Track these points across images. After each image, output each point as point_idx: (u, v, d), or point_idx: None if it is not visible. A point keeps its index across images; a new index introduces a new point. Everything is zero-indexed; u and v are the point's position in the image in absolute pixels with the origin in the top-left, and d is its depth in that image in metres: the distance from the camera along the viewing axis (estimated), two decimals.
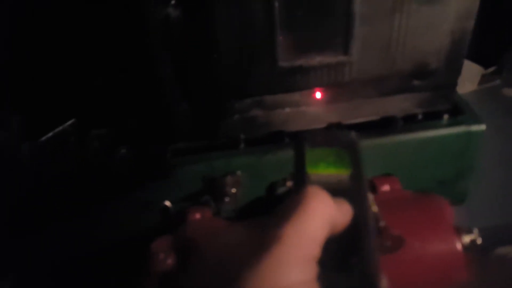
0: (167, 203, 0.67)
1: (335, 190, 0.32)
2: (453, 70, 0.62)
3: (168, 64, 0.57)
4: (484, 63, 0.76)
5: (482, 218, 0.88)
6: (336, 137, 0.37)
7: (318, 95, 0.64)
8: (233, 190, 0.64)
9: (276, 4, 0.52)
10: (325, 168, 0.35)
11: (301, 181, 0.34)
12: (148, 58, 0.58)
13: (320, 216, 0.29)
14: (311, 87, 0.62)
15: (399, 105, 0.66)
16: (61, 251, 0.71)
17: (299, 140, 0.37)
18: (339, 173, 0.35)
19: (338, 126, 0.67)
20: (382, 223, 0.56)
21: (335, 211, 0.30)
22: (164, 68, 0.57)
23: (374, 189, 0.66)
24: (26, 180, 0.69)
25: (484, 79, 0.80)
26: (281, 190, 0.67)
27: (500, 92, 0.84)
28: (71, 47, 0.71)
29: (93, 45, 0.70)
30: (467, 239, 0.60)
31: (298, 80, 0.60)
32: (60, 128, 0.77)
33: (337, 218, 0.30)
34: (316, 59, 0.57)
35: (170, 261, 0.60)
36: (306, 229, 0.28)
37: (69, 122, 0.78)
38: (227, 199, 0.62)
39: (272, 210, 0.68)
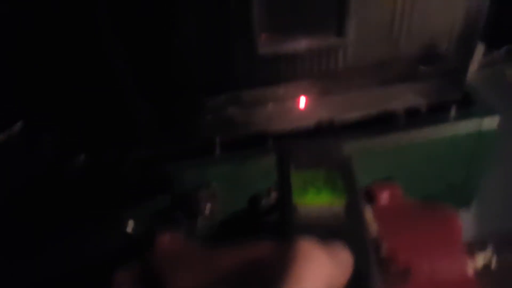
0: (130, 223, 0.57)
1: (330, 228, 0.27)
2: (465, 53, 0.53)
3: (120, 56, 0.46)
4: (491, 43, 0.67)
5: (488, 221, 0.80)
6: (325, 155, 0.32)
7: (306, 89, 0.54)
8: (209, 206, 0.54)
9: None
10: (315, 194, 0.29)
11: (287, 224, 0.28)
12: (96, 47, 0.47)
13: (317, 283, 0.23)
14: (297, 78, 0.52)
15: (401, 96, 0.56)
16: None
17: (283, 162, 0.31)
18: (333, 202, 0.29)
19: (329, 125, 0.57)
20: (383, 252, 0.46)
21: (334, 269, 0.24)
22: (116, 61, 0.46)
23: (371, 198, 0.57)
24: None
25: (492, 60, 0.70)
26: (265, 202, 0.58)
27: (507, 74, 0.75)
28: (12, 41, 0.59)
29: (36, 38, 0.59)
30: (480, 259, 0.53)
31: (282, 70, 0.50)
32: (6, 132, 0.66)
33: (336, 277, 0.25)
34: (304, 43, 0.47)
35: None
36: None
37: (17, 125, 0.67)
38: (201, 218, 0.52)
39: (255, 225, 0.58)
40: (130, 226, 0.57)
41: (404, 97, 0.56)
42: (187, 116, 0.55)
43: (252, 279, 0.25)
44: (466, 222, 0.57)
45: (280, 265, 0.23)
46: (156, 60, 0.49)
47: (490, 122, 0.58)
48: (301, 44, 0.47)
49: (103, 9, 0.44)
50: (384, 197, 0.57)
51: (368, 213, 0.53)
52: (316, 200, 0.29)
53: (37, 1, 0.50)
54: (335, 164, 0.31)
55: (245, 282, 0.25)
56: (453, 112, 0.59)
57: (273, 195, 0.58)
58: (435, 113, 0.59)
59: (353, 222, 0.28)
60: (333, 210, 0.28)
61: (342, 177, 0.30)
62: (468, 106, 0.59)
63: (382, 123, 0.58)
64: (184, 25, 0.45)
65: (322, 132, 0.58)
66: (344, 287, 0.25)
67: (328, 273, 0.24)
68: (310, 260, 0.23)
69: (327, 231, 0.26)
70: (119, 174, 0.57)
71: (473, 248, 0.53)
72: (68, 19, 0.52)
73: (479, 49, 0.62)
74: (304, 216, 0.28)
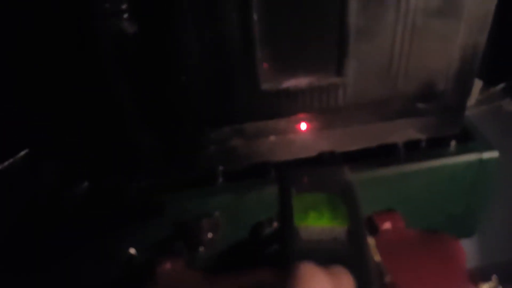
0: (132, 251, 0.57)
1: (331, 252, 0.27)
2: (462, 90, 0.54)
3: (125, 88, 0.48)
4: (489, 79, 0.68)
5: (491, 252, 0.79)
6: (327, 179, 0.31)
7: (307, 121, 0.55)
8: (210, 236, 0.55)
9: (255, 16, 0.43)
10: (316, 219, 0.29)
11: (288, 247, 0.27)
12: (103, 81, 0.49)
13: None
14: (299, 113, 0.53)
15: (400, 131, 0.57)
16: None
17: (284, 185, 0.31)
18: (334, 225, 0.28)
19: (331, 155, 0.58)
20: (388, 278, 0.47)
21: None
22: (121, 93, 0.47)
23: (373, 228, 0.58)
24: None
25: (489, 96, 0.72)
26: (267, 231, 0.58)
27: (504, 110, 0.76)
28: (18, 69, 0.61)
29: (42, 68, 0.61)
30: None
31: (284, 105, 0.52)
32: (11, 160, 0.67)
33: None
34: (305, 81, 0.48)
35: None
36: None
37: (22, 153, 0.68)
38: (201, 248, 0.52)
39: (257, 255, 0.59)
40: (131, 254, 0.58)
41: (404, 132, 0.58)
42: (191, 147, 0.56)
43: None
44: (469, 251, 0.57)
45: None
46: (161, 93, 0.50)
47: (489, 157, 0.59)
48: (302, 82, 0.48)
49: (109, 44, 0.45)
50: (386, 227, 0.58)
51: (371, 243, 0.53)
52: (317, 223, 0.28)
53: (47, 36, 0.52)
54: (337, 188, 0.30)
55: None
56: (452, 146, 0.60)
57: (275, 225, 0.58)
58: (435, 147, 0.60)
59: (355, 246, 0.27)
60: (335, 232, 0.28)
61: (344, 201, 0.29)
62: (467, 141, 0.60)
63: (383, 155, 0.59)
64: (190, 61, 0.47)
65: (324, 162, 0.59)
66: None
67: None
68: (312, 285, 0.23)
69: (329, 255, 0.26)
70: (122, 202, 0.58)
71: (476, 277, 0.53)
72: (74, 50, 0.54)
73: (477, 86, 0.63)
74: (306, 238, 0.27)
